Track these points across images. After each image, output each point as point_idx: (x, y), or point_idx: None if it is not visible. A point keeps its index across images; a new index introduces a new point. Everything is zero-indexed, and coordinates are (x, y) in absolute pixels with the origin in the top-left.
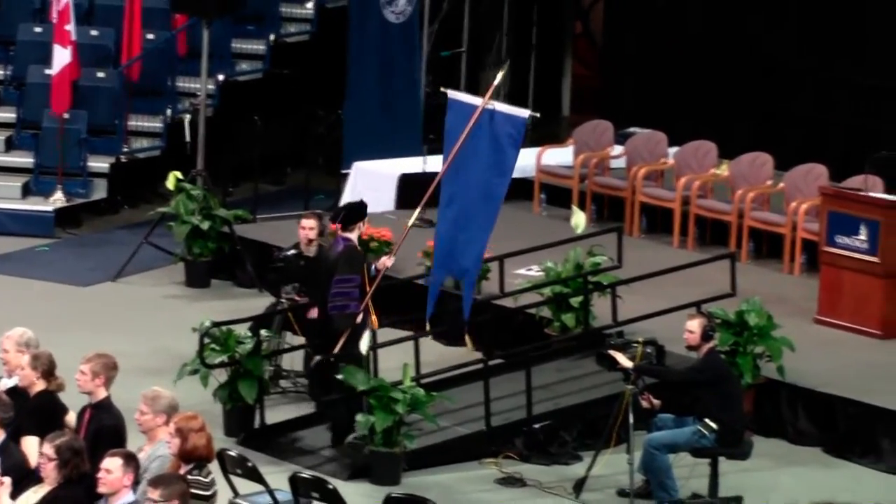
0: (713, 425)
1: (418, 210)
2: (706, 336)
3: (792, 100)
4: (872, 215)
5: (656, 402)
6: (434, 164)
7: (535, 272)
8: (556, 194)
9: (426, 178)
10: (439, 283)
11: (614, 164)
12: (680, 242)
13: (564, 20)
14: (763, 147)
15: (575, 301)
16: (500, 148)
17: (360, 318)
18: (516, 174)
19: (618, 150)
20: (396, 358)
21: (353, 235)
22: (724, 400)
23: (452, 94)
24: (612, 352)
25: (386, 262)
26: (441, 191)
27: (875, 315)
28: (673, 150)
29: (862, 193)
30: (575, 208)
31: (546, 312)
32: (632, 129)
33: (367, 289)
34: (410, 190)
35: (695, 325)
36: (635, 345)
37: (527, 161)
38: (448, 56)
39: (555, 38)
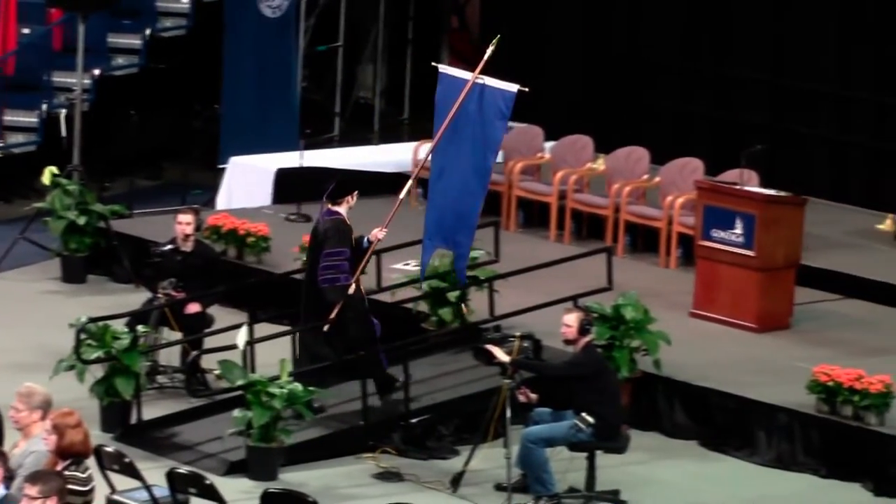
0: (590, 419)
1: (410, 182)
2: (583, 330)
3: (667, 94)
4: (748, 209)
5: (533, 396)
6: (311, 158)
7: (412, 267)
8: None
9: (303, 172)
10: (431, 252)
11: None
12: (557, 237)
13: (440, 14)
14: (639, 141)
15: (452, 296)
16: (488, 121)
17: (352, 290)
18: (393, 168)
19: None
20: (273, 353)
21: (342, 209)
22: (600, 394)
23: (443, 68)
24: (489, 346)
25: (378, 234)
26: (431, 163)
27: (750, 308)
28: (549, 144)
29: (737, 187)
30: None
31: (424, 307)
32: (509, 124)
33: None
34: (287, 184)
35: (572, 319)
36: (512, 339)
37: (403, 155)
38: (324, 51)
39: (431, 32)
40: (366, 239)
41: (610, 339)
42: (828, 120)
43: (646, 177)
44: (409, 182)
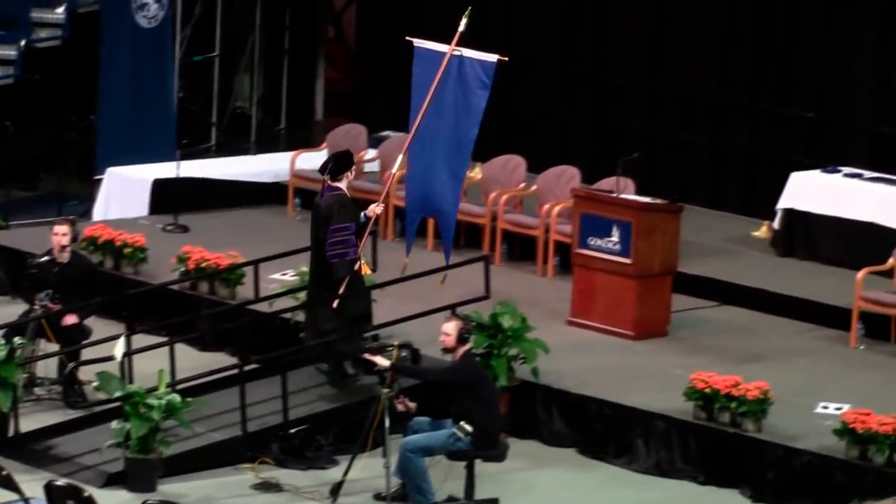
0: (469, 428)
1: (400, 158)
2: (462, 339)
3: (543, 102)
4: (624, 217)
5: (412, 405)
6: (187, 168)
7: (289, 276)
8: (311, 198)
9: (180, 182)
10: (415, 223)
11: (368, 167)
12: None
13: (317, 24)
14: (515, 150)
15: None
16: (469, 92)
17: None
18: (270, 178)
19: (371, 153)
20: (151, 364)
21: (343, 185)
22: (479, 402)
23: (419, 42)
24: (367, 355)
25: (375, 209)
26: (413, 136)
27: (628, 316)
28: None
29: (614, 195)
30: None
31: (301, 317)
32: (385, 133)
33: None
34: (164, 195)
35: (450, 327)
36: (391, 348)
37: (281, 165)
38: (200, 61)
39: (307, 42)
40: (363, 215)
41: (488, 348)
42: (703, 127)
43: (522, 185)
44: (400, 157)
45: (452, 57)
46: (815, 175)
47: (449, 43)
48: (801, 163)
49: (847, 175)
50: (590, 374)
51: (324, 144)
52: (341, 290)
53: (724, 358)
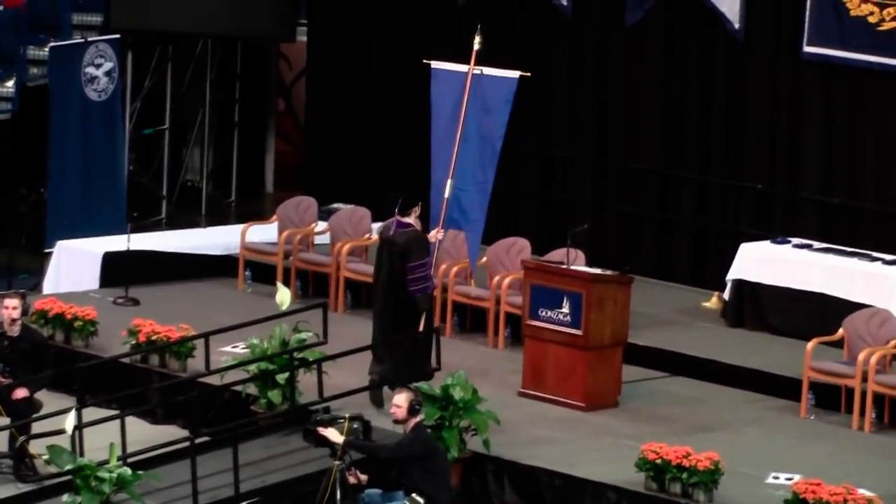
0: (420, 500)
1: (449, 182)
2: (412, 410)
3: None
4: (575, 288)
5: (363, 477)
6: (138, 241)
7: (240, 349)
8: (261, 271)
9: (130, 255)
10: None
11: (318, 240)
12: None
13: (267, 97)
14: None
15: (281, 378)
16: (494, 108)
17: None
18: (221, 251)
19: (322, 226)
20: (102, 438)
21: (412, 220)
22: (430, 474)
23: (436, 64)
24: (318, 427)
25: (436, 234)
26: (439, 157)
27: (578, 387)
28: (376, 225)
29: (564, 267)
30: (280, 285)
31: (252, 389)
32: (335, 206)
33: None
34: (114, 268)
35: (401, 399)
36: (342, 420)
37: (231, 238)
38: (151, 134)
39: (258, 115)
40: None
41: (439, 420)
42: (652, 198)
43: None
44: (448, 182)
45: (473, 76)
46: (764, 246)
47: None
48: (750, 234)
49: (796, 246)
50: (541, 445)
51: (274, 217)
52: (422, 323)
53: (675, 429)
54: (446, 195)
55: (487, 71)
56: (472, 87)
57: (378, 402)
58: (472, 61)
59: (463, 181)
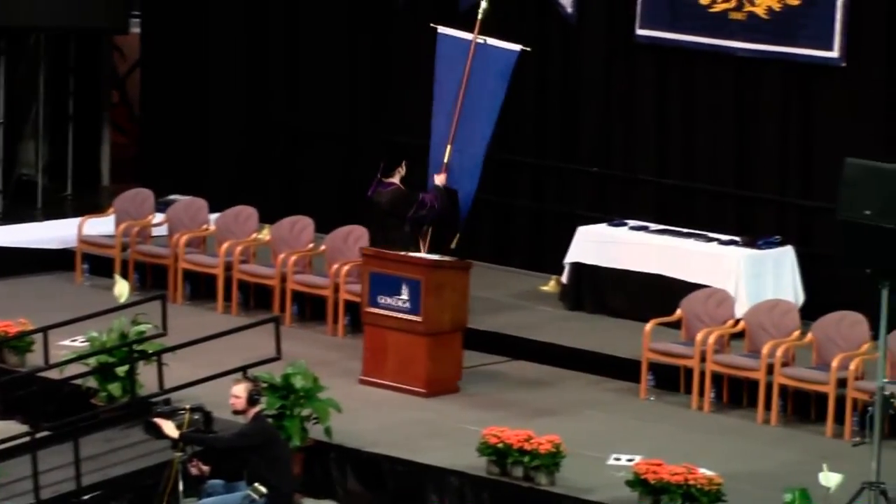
0: (263, 489)
1: (448, 147)
2: (252, 400)
3: (329, 163)
4: (413, 275)
5: (205, 468)
6: None
7: (79, 343)
8: (99, 264)
9: None
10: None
11: (156, 231)
12: (224, 308)
13: (101, 89)
14: (303, 211)
15: (121, 370)
16: (494, 76)
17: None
18: (58, 245)
19: (159, 217)
20: None
21: (395, 179)
22: (272, 463)
23: (442, 28)
24: (157, 420)
25: (441, 179)
26: (440, 122)
27: (419, 373)
28: (214, 216)
29: (402, 254)
30: (118, 277)
31: (93, 383)
32: (172, 197)
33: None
34: None
35: (240, 389)
36: (182, 412)
37: (68, 231)
38: None
39: (92, 107)
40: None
41: (280, 409)
42: (489, 184)
43: (311, 245)
44: (448, 147)
45: (477, 44)
46: (601, 228)
47: None
48: (587, 217)
49: (633, 228)
50: (383, 432)
51: (111, 210)
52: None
53: (516, 413)
54: (445, 160)
55: (491, 41)
56: (476, 55)
57: None
58: (476, 29)
59: (462, 150)
